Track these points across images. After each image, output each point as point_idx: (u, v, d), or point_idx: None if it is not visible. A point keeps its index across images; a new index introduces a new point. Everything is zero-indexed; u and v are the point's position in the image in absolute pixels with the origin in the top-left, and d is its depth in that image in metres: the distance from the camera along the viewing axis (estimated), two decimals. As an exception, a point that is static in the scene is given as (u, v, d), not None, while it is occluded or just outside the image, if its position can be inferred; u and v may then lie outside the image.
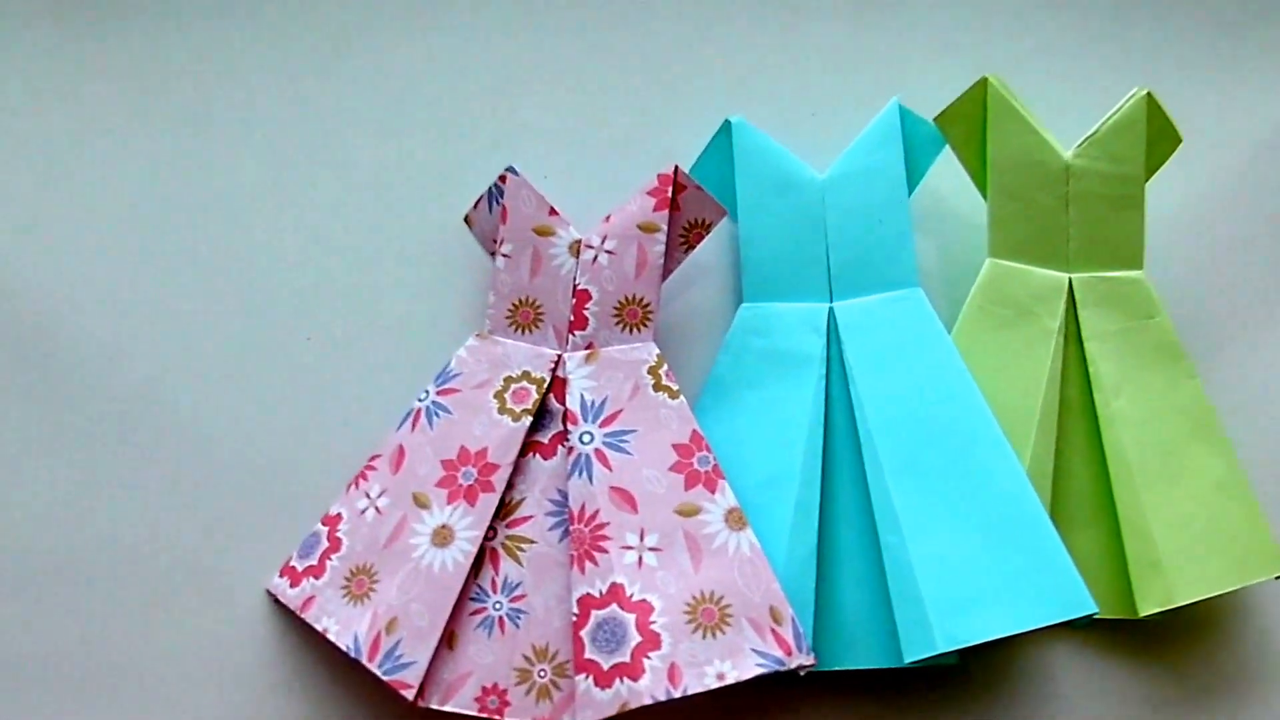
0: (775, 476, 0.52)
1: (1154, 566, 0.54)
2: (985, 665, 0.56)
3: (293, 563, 0.53)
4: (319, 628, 0.50)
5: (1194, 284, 0.62)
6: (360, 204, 0.59)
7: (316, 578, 0.52)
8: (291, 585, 0.52)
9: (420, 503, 0.51)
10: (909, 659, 0.49)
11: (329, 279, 0.58)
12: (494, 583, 0.51)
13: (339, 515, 0.53)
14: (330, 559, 0.52)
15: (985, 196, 0.58)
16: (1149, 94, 0.59)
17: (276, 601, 0.53)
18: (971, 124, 0.58)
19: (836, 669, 0.52)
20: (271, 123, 0.60)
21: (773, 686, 0.54)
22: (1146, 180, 0.60)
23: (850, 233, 0.57)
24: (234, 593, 0.53)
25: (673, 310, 0.59)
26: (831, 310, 0.56)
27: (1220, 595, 0.56)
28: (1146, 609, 0.54)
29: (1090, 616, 0.50)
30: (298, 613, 0.51)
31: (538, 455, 0.53)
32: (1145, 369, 0.58)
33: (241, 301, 0.58)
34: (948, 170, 0.59)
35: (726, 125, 0.58)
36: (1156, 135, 0.60)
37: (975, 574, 0.50)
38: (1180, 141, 0.61)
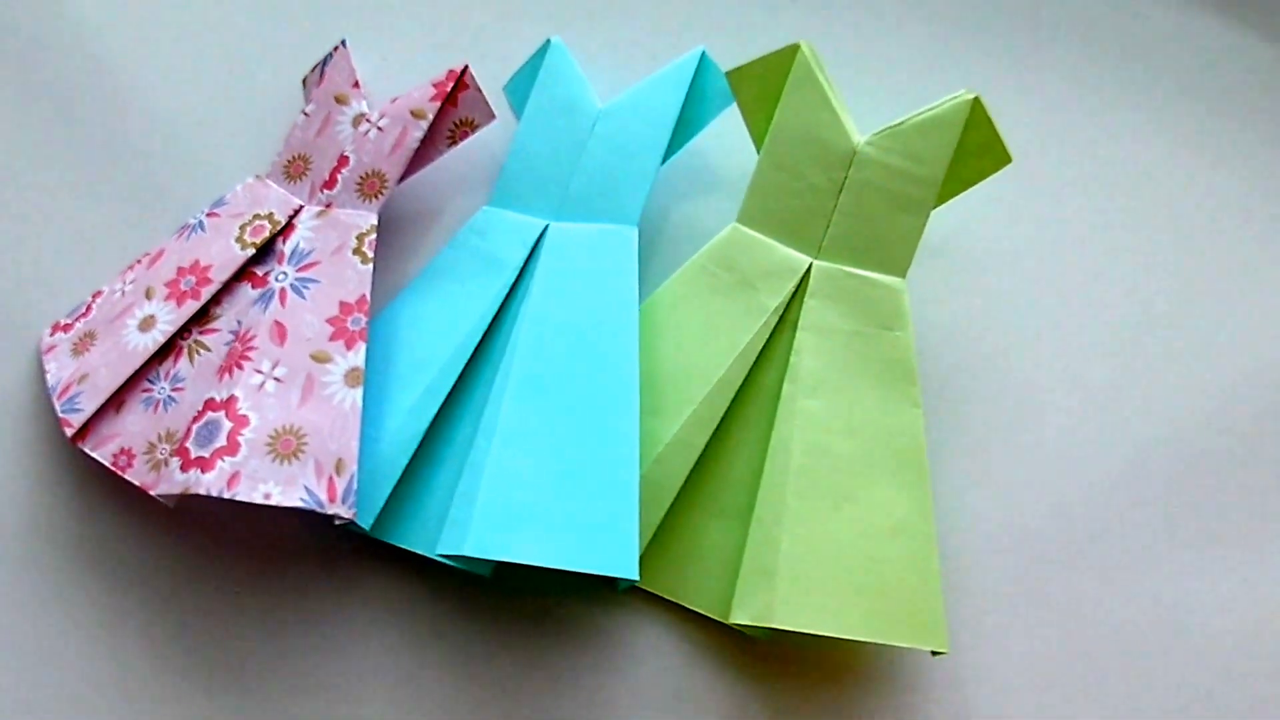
0: (424, 360, 0.54)
1: (765, 577, 0.50)
2: (582, 617, 0.54)
3: (61, 319, 0.62)
4: (45, 368, 0.60)
5: (978, 319, 0.55)
6: (224, 49, 0.66)
7: (65, 333, 0.61)
8: (50, 334, 0.62)
9: (148, 295, 0.59)
10: (438, 551, 0.50)
11: (186, 115, 0.66)
12: (168, 373, 0.57)
13: (101, 291, 0.62)
14: (79, 322, 0.61)
15: (760, 162, 0.56)
16: (976, 99, 0.53)
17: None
18: (767, 87, 0.56)
19: (389, 542, 0.53)
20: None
21: (342, 551, 0.56)
22: (957, 192, 0.54)
23: (600, 162, 0.57)
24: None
25: (461, 206, 0.62)
26: (548, 227, 0.56)
27: (874, 650, 0.51)
28: (736, 617, 0.50)
29: (631, 584, 0.49)
30: (42, 355, 0.61)
31: (249, 284, 0.58)
32: (860, 380, 0.53)
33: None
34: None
35: (547, 44, 0.60)
36: (977, 147, 0.53)
37: (537, 502, 0.49)
38: (1008, 161, 0.54)
